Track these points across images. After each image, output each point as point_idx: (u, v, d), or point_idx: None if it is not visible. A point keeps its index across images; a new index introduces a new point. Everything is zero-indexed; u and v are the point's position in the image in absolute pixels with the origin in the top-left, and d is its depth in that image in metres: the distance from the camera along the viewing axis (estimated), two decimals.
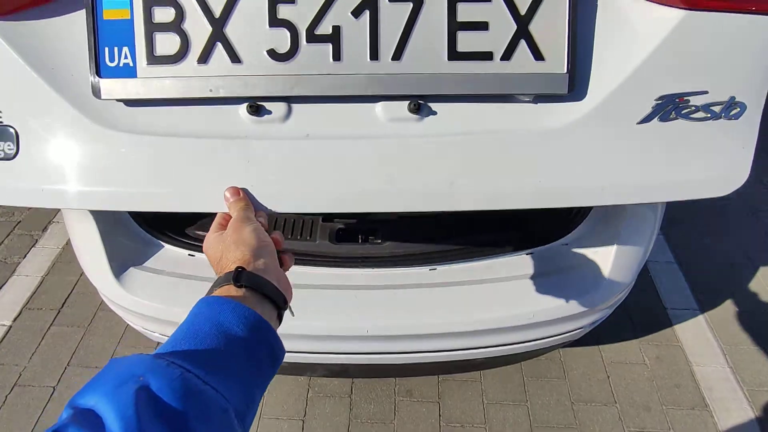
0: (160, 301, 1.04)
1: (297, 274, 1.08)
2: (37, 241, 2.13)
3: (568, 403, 1.62)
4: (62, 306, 1.89)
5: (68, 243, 2.10)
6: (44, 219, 2.22)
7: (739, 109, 0.70)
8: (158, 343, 1.56)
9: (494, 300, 1.04)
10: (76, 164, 0.68)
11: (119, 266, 1.07)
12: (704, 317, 1.85)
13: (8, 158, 0.67)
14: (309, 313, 1.03)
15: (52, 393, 1.65)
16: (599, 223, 1.08)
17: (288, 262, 0.64)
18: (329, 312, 1.03)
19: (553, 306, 1.04)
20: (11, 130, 0.67)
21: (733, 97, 0.68)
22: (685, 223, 2.18)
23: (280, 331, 0.57)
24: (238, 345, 0.47)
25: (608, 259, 1.05)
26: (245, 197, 0.67)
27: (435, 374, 1.50)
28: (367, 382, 1.66)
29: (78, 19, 0.64)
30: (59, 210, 2.24)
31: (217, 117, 0.68)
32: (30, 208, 2.26)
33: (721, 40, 0.65)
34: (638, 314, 1.85)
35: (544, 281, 1.06)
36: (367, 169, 0.69)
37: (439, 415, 1.58)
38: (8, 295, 1.93)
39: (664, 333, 1.80)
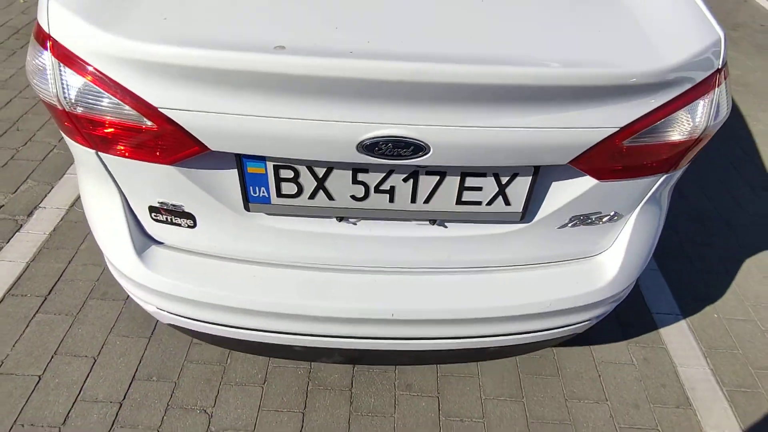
0: (185, 280, 1.03)
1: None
2: (21, 226, 2.04)
3: (562, 399, 1.66)
4: (49, 293, 1.82)
5: (56, 229, 2.03)
6: (30, 204, 2.13)
7: (617, 217, 1.13)
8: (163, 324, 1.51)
9: (515, 287, 1.09)
10: (232, 236, 1.08)
11: (141, 244, 1.05)
12: (686, 322, 1.95)
13: (191, 227, 1.08)
14: (332, 295, 1.05)
15: (38, 382, 1.58)
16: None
17: None
18: (352, 294, 1.05)
19: (570, 296, 1.09)
20: (191, 214, 1.05)
21: (616, 212, 1.12)
22: (666, 233, 2.29)
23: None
24: None
25: (619, 257, 1.12)
26: None
27: (449, 362, 1.51)
28: (367, 376, 1.67)
29: (230, 172, 0.99)
30: (46, 194, 2.16)
31: (319, 222, 1.09)
32: (14, 192, 2.17)
33: (612, 189, 1.05)
34: (626, 317, 1.93)
35: (561, 273, 1.11)
36: (401, 248, 1.12)
37: (439, 409, 1.60)
38: None
39: (650, 336, 1.88)
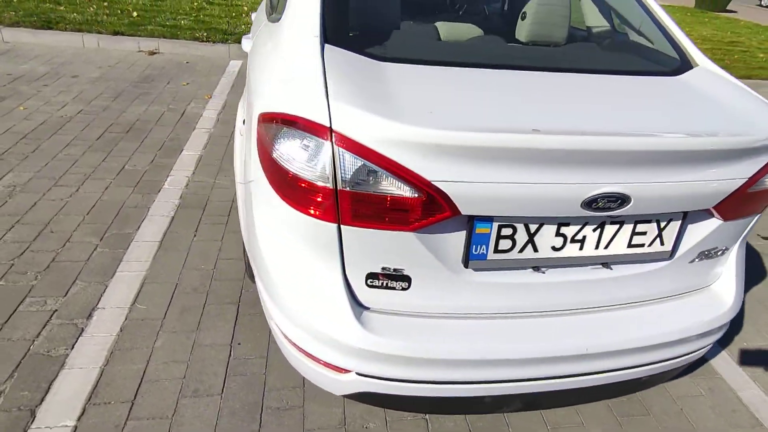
0: (404, 339, 1.09)
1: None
2: (83, 329, 1.90)
3: None
4: (135, 397, 1.69)
5: (123, 329, 1.92)
6: (86, 306, 2.00)
7: (729, 250, 1.44)
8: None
9: (667, 317, 1.28)
10: (443, 293, 1.19)
11: (357, 311, 1.11)
12: (726, 352, 2.21)
13: (405, 290, 1.19)
14: (535, 338, 1.16)
15: None
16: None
17: None
18: (551, 335, 1.17)
19: (705, 320, 1.30)
20: (409, 276, 1.16)
21: (726, 247, 1.41)
22: None
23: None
24: None
25: (732, 284, 1.37)
26: None
27: (613, 396, 1.62)
28: None
29: (458, 234, 1.14)
30: (101, 295, 2.06)
31: (519, 273, 1.26)
32: (66, 294, 2.04)
33: (729, 227, 1.34)
34: None
35: (693, 302, 1.33)
36: (580, 290, 1.31)
37: None
38: (63, 392, 1.67)
39: (705, 368, 2.11)
